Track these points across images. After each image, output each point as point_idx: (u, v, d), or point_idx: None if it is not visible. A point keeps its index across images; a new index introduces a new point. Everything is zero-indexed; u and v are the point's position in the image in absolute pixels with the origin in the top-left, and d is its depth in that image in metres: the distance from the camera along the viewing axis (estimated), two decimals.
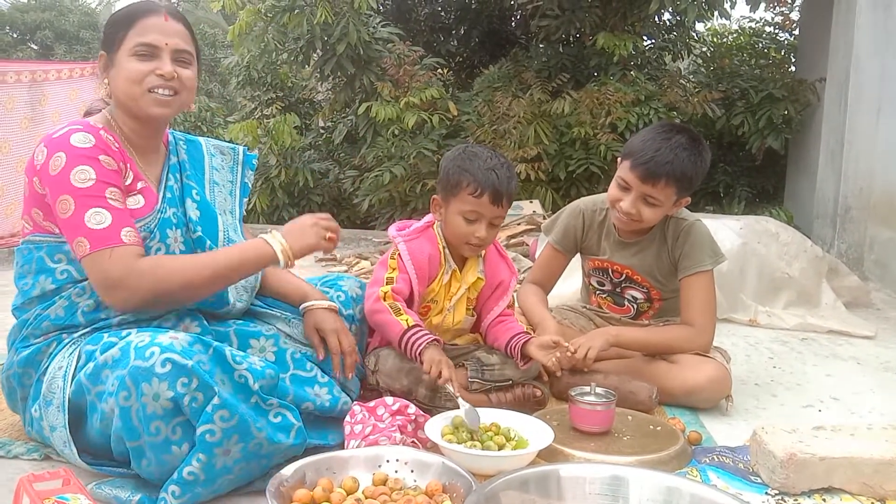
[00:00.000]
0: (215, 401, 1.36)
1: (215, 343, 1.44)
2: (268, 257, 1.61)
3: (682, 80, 6.53)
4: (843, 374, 2.57)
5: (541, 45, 6.86)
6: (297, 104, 7.83)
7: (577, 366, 2.03)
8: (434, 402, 1.88)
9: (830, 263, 3.64)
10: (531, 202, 5.36)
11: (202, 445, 1.36)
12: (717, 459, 1.71)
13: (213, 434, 1.36)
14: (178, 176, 1.76)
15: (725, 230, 3.37)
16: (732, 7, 6.25)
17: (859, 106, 4.71)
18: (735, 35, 8.18)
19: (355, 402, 1.76)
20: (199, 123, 9.41)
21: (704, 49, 7.75)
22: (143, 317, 1.62)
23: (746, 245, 3.39)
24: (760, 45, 7.54)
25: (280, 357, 1.72)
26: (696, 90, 6.22)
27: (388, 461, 1.51)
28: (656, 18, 7.01)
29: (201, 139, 1.90)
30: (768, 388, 2.38)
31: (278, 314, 1.85)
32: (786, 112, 5.92)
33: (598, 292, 2.42)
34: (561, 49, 6.72)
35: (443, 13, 8.07)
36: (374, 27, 6.32)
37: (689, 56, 7.53)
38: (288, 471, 1.42)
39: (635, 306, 2.34)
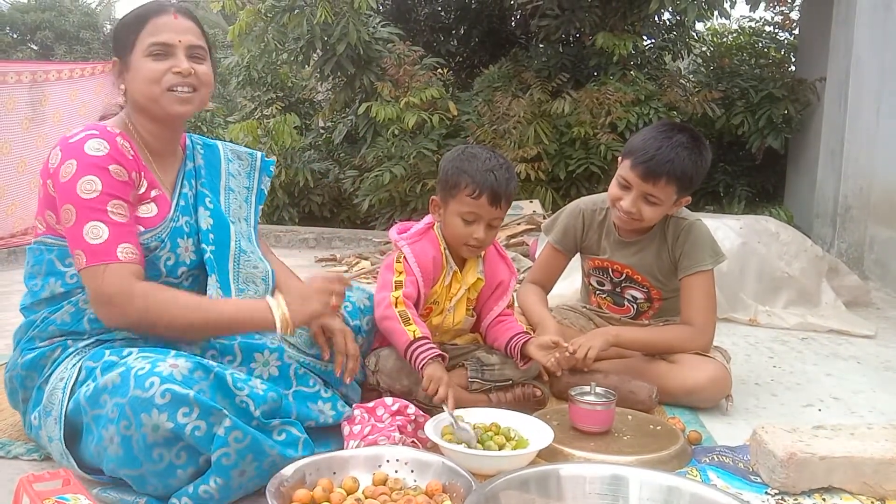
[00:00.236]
0: (227, 423, 1.34)
1: (216, 368, 1.41)
2: (266, 323, 1.59)
3: (681, 80, 6.54)
4: (844, 373, 2.57)
5: (541, 45, 6.86)
6: (297, 104, 7.84)
7: (576, 366, 2.03)
8: (434, 402, 1.87)
9: (830, 263, 3.64)
10: (531, 202, 5.36)
11: (218, 469, 1.35)
12: (717, 459, 1.71)
13: (229, 457, 1.35)
14: (192, 182, 1.75)
15: (725, 230, 3.37)
16: (732, 7, 6.24)
17: (859, 105, 4.70)
18: (735, 35, 8.17)
19: (354, 406, 1.74)
20: (199, 124, 9.39)
21: (704, 49, 7.74)
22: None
23: (746, 244, 3.39)
24: (760, 44, 7.53)
25: (283, 372, 1.69)
26: (696, 90, 6.23)
27: (387, 461, 1.51)
28: (656, 18, 7.00)
29: (219, 143, 1.88)
30: (768, 387, 2.38)
31: None
32: (786, 111, 5.93)
33: (597, 292, 2.42)
34: (561, 49, 6.72)
35: (443, 13, 8.07)
36: (374, 27, 6.33)
37: (688, 56, 7.52)
38: (288, 471, 1.41)
39: (635, 306, 2.34)
